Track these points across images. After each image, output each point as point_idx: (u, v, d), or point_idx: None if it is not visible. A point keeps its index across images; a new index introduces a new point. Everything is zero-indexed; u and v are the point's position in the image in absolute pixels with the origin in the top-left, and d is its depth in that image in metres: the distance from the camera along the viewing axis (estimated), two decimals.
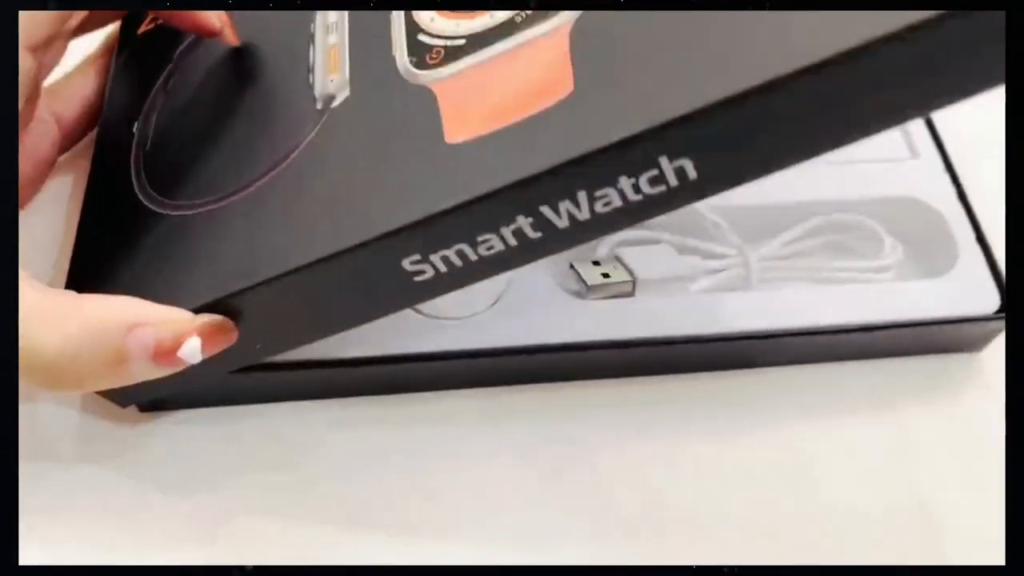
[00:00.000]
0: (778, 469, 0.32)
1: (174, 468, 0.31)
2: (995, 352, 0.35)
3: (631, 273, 0.33)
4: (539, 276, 0.33)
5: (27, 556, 0.28)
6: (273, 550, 0.30)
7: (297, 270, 0.24)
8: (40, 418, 0.31)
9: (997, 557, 0.29)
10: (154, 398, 0.31)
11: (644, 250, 0.34)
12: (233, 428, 0.32)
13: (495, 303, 0.32)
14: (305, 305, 0.26)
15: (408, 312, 0.32)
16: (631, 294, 0.33)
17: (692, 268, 0.34)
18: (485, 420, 0.33)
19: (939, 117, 0.37)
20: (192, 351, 0.24)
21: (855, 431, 0.33)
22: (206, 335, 0.25)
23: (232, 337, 0.26)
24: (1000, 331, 0.34)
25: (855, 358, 0.34)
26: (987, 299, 0.33)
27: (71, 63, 0.34)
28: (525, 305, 0.32)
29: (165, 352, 0.24)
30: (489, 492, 0.31)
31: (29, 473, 0.30)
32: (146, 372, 0.25)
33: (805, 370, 0.34)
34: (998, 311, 0.33)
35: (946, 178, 0.36)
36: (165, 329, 0.24)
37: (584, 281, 0.33)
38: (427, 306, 0.32)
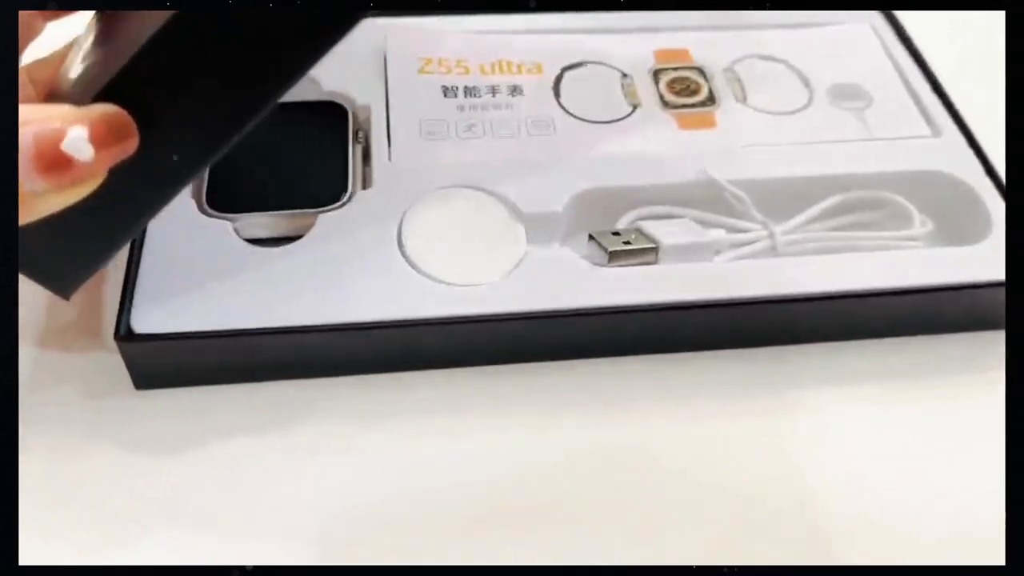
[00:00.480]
0: (788, 457, 0.30)
1: (170, 458, 0.29)
2: None
3: (654, 240, 0.32)
4: (556, 249, 0.32)
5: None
6: (274, 549, 0.28)
7: (174, 23, 0.22)
8: (27, 401, 0.30)
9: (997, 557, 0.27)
10: (90, 270, 0.27)
11: (666, 223, 0.33)
12: (236, 412, 0.30)
13: (510, 273, 0.31)
14: (204, 76, 0.23)
15: (419, 278, 0.31)
16: (655, 262, 0.32)
17: (717, 240, 0.33)
18: (496, 402, 0.31)
19: (958, 97, 0.37)
20: (77, 142, 0.21)
21: (880, 415, 0.31)
22: (95, 125, 0.22)
23: (131, 138, 0.23)
24: None
25: (887, 335, 0.33)
26: None
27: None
28: (541, 274, 0.31)
29: (47, 151, 0.21)
30: (497, 486, 0.29)
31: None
32: (39, 190, 0.21)
33: (840, 347, 0.32)
34: None
35: (970, 152, 0.35)
36: (44, 123, 0.21)
37: (604, 248, 0.31)
38: (439, 273, 0.31)
